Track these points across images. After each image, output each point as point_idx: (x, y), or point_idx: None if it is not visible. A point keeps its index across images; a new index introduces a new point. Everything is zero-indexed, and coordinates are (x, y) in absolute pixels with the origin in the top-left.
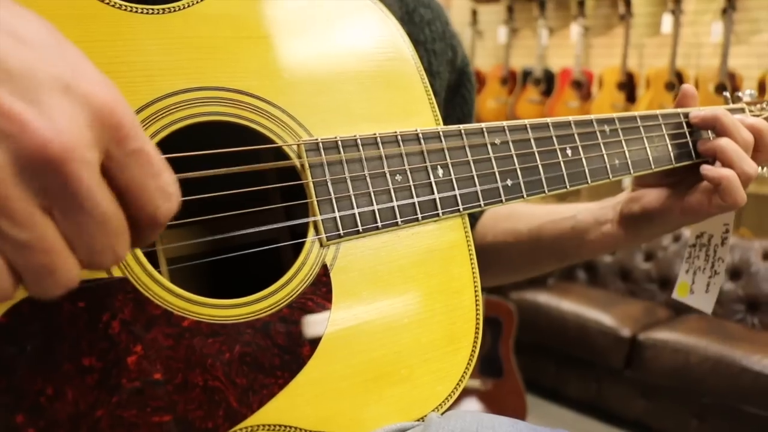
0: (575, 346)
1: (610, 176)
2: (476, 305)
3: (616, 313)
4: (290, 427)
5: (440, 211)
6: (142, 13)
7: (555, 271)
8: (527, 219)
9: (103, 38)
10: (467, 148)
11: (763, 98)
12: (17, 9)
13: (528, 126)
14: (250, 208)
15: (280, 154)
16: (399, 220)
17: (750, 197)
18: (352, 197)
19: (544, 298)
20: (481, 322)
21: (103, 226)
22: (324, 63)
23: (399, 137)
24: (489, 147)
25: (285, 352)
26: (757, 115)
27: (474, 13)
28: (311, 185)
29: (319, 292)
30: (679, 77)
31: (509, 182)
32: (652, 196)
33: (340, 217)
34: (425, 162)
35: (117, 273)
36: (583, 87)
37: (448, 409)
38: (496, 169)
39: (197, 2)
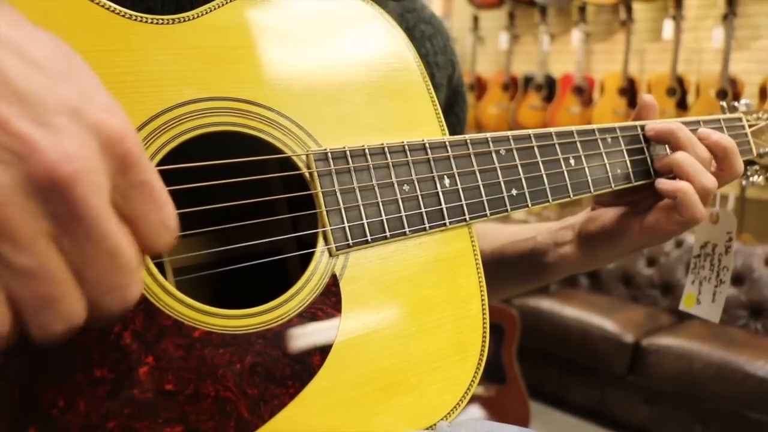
0: (578, 352)
1: (612, 185)
2: (483, 314)
3: (618, 319)
4: None
5: (447, 221)
6: (151, 23)
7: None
8: (492, 238)
9: (113, 48)
10: (473, 158)
11: (760, 107)
12: (29, 29)
13: (532, 135)
14: (257, 219)
15: (287, 164)
16: (407, 229)
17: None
18: (361, 207)
19: (546, 304)
20: (488, 330)
21: (111, 260)
22: (332, 73)
23: (406, 147)
24: (494, 156)
25: (295, 362)
26: (753, 125)
27: (475, 19)
28: (320, 195)
29: (329, 302)
30: (681, 83)
31: (514, 192)
32: (610, 215)
33: (349, 226)
34: (432, 172)
35: None
36: (584, 93)
37: (466, 407)
38: (501, 178)
39: (206, 13)
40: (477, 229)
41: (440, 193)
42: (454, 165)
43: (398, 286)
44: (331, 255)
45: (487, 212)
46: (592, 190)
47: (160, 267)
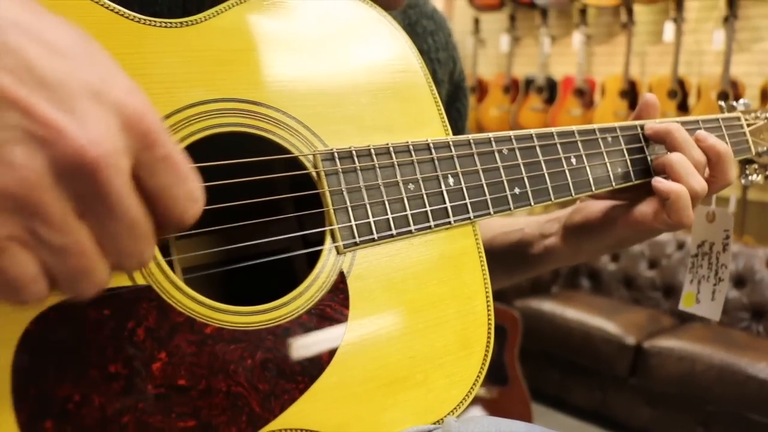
0: (580, 354)
1: (613, 184)
2: (488, 310)
3: (620, 320)
4: (311, 431)
5: (452, 219)
6: (160, 26)
7: (559, 278)
8: (483, 230)
9: (123, 51)
10: (476, 157)
11: (759, 107)
12: (48, 17)
13: (534, 135)
14: (263, 218)
15: (293, 164)
16: (413, 227)
17: (753, 205)
18: (367, 206)
19: (548, 306)
20: (492, 327)
21: (131, 231)
22: (337, 75)
23: (411, 147)
24: (497, 156)
25: (305, 358)
26: (752, 124)
27: (476, 21)
28: (328, 194)
29: (337, 299)
30: (682, 85)
31: (517, 190)
32: (597, 207)
33: (356, 225)
34: (436, 171)
35: (140, 281)
36: (585, 95)
37: (462, 412)
38: (504, 177)
39: (213, 16)
40: None
41: (444, 192)
42: (458, 164)
43: (404, 284)
44: (338, 253)
45: (491, 210)
46: (593, 189)
47: (169, 266)
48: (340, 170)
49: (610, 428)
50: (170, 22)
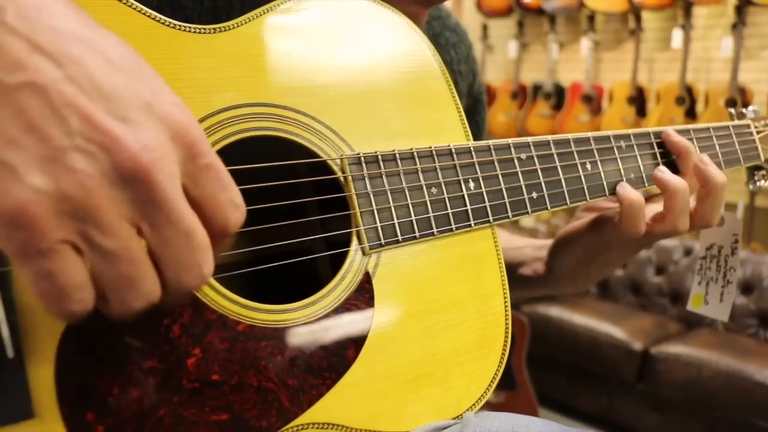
0: (587, 360)
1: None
2: (506, 311)
3: (627, 326)
4: (338, 425)
5: (472, 222)
6: (194, 32)
7: None
8: None
9: (159, 56)
10: (496, 163)
11: None
12: (103, 31)
13: (551, 142)
14: (284, 219)
15: (318, 167)
16: (435, 230)
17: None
18: (392, 208)
19: (555, 311)
20: (510, 326)
21: (188, 240)
22: (363, 81)
23: (434, 152)
24: (516, 161)
25: (332, 355)
26: (761, 131)
27: (484, 27)
28: (354, 197)
29: (363, 299)
30: (690, 92)
31: (534, 195)
32: (577, 222)
33: (381, 226)
34: (458, 176)
35: None
36: (593, 101)
37: (481, 409)
38: (522, 182)
39: (245, 23)
40: None
41: (465, 196)
42: (479, 169)
43: (426, 284)
44: (364, 254)
45: (509, 214)
46: (607, 193)
47: None
48: (366, 174)
49: None
50: (203, 29)
